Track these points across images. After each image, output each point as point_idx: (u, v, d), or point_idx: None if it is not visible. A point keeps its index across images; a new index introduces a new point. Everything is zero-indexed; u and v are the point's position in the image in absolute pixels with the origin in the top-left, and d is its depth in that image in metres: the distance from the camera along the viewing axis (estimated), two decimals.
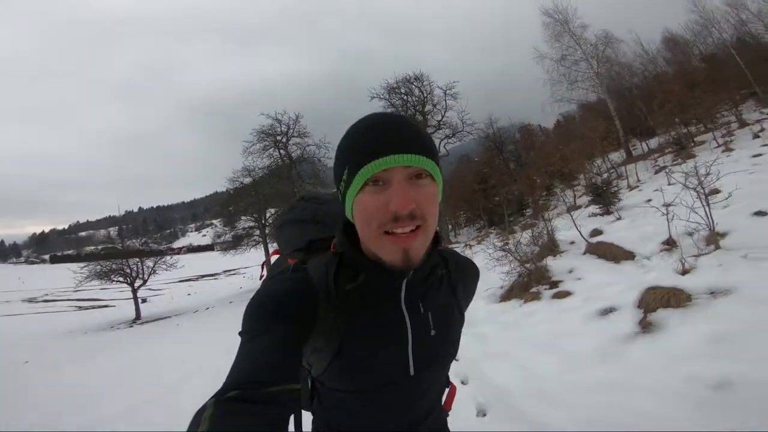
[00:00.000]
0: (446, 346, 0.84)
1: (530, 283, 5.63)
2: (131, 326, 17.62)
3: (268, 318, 0.66)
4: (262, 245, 24.25)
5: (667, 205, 5.30)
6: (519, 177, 18.92)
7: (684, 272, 3.83)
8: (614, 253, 5.45)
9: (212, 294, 28.07)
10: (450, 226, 27.97)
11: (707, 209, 4.42)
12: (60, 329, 18.69)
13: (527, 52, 26.85)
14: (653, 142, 21.77)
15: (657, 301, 3.33)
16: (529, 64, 26.48)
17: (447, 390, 0.99)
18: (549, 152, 17.85)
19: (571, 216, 7.50)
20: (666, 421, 2.09)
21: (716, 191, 7.31)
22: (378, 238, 0.65)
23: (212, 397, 0.54)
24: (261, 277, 1.04)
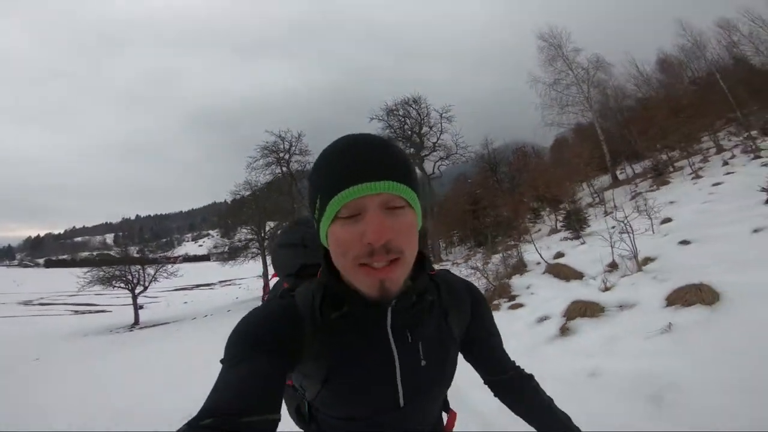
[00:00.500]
0: (438, 376, 0.81)
1: (494, 297, 6.49)
2: (131, 330, 18.34)
3: (251, 346, 0.65)
4: (260, 257, 25.04)
5: (611, 234, 6.19)
6: (506, 200, 19.76)
7: (605, 289, 4.72)
8: (566, 273, 6.33)
9: (208, 303, 28.64)
10: (444, 245, 28.86)
11: (632, 239, 5.30)
12: (60, 332, 19.32)
13: (525, 74, 27.94)
14: (639, 167, 22.56)
15: (577, 311, 4.20)
16: (525, 86, 27.69)
17: (447, 415, 0.98)
18: (535, 177, 18.77)
19: (533, 242, 8.40)
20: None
21: (669, 220, 8.31)
22: (353, 269, 0.64)
23: (186, 424, 0.53)
24: (263, 298, 1.05)
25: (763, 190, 6.92)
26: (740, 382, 2.34)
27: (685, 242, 5.71)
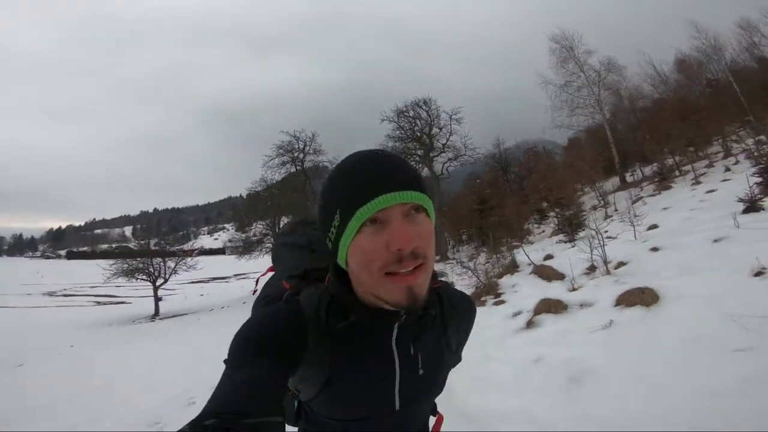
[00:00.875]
0: (433, 383, 0.85)
1: (482, 294, 7.17)
2: (152, 320, 19.46)
3: (255, 350, 0.66)
4: None
5: (590, 240, 6.79)
6: (512, 201, 20.24)
7: (573, 290, 5.37)
8: (549, 274, 6.95)
9: (224, 295, 29.66)
10: (452, 243, 29.42)
11: (603, 247, 5.92)
12: (85, 321, 20.47)
13: (537, 73, 27.88)
14: (649, 170, 22.53)
15: (544, 308, 4.87)
16: (537, 86, 27.61)
17: (435, 418, 1.01)
18: (539, 179, 19.20)
19: (522, 245, 8.98)
20: (500, 378, 3.62)
21: (655, 226, 8.83)
22: (380, 279, 0.65)
23: (188, 424, 0.53)
24: (254, 292, 1.07)
25: (740, 200, 7.37)
26: (644, 371, 3.00)
27: (655, 249, 6.29)
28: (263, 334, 0.70)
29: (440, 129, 25.86)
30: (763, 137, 16.49)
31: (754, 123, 19.32)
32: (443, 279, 0.93)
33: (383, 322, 0.74)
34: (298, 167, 26.55)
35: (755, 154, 14.61)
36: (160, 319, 19.84)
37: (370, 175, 0.65)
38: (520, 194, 22.77)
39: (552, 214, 20.46)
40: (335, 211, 0.66)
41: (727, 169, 14.26)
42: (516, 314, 5.34)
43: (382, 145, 25.84)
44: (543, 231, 18.28)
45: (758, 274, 3.87)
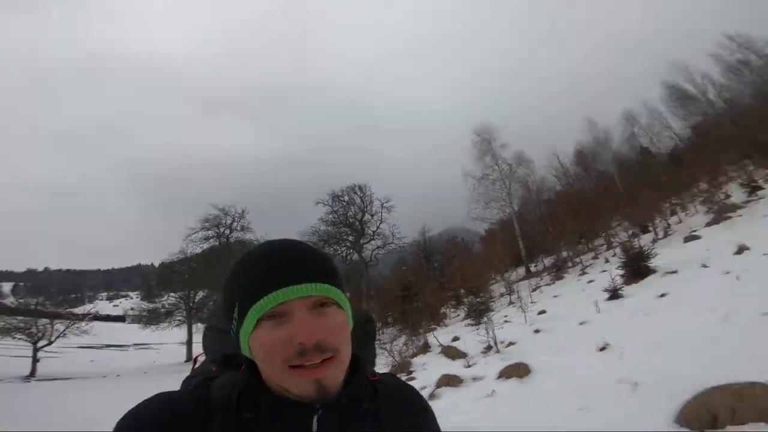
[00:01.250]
0: None
1: (396, 371, 7.76)
2: (28, 381, 17.45)
3: None
4: (185, 325, 24.46)
5: (487, 324, 7.83)
6: (429, 289, 21.57)
7: (468, 366, 6.23)
8: (453, 354, 7.81)
9: (120, 363, 26.72)
10: (379, 326, 29.66)
11: (493, 331, 6.97)
12: None
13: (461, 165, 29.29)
14: (549, 261, 24.04)
15: (444, 382, 5.65)
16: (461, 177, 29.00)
17: None
18: (454, 270, 20.92)
19: (433, 331, 10.03)
20: None
21: (543, 311, 10.19)
22: (283, 373, 0.59)
23: None
24: (192, 369, 1.01)
25: (605, 290, 8.93)
26: (513, 428, 3.80)
27: (537, 331, 7.51)
28: (155, 424, 0.60)
29: (372, 216, 27.28)
30: (634, 230, 19.17)
31: (630, 215, 20.90)
32: (389, 371, 1.05)
33: (299, 414, 0.64)
34: (222, 242, 26.03)
35: (626, 247, 17.31)
36: (37, 380, 17.68)
37: (268, 269, 0.61)
38: (440, 281, 24.20)
39: (467, 299, 22.12)
40: (234, 303, 0.63)
41: (607, 261, 16.40)
42: (421, 389, 5.98)
43: (314, 228, 26.36)
44: (458, 315, 19.47)
45: (602, 349, 5.04)
